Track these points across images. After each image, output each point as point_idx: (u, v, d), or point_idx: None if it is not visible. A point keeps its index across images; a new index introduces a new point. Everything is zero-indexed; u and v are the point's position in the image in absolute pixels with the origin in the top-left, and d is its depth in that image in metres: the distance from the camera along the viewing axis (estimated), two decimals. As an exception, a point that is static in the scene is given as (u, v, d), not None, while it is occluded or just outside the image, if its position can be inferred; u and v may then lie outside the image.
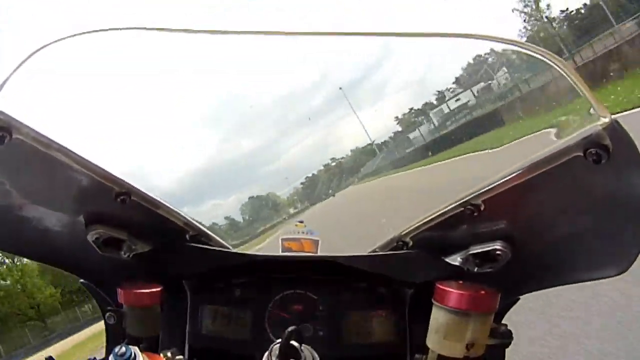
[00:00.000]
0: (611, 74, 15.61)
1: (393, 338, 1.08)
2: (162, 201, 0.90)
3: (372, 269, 1.06)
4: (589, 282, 0.79)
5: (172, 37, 0.63)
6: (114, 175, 0.77)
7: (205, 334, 1.10)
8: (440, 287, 0.84)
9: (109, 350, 0.76)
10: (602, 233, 0.68)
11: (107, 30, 0.61)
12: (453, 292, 0.81)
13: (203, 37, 0.64)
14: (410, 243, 1.01)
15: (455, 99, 32.75)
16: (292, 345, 0.76)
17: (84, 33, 0.62)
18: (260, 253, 1.09)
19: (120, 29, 0.62)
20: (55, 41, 0.60)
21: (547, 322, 2.97)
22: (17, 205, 0.76)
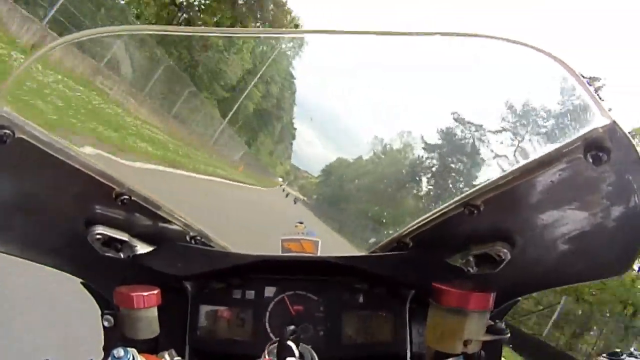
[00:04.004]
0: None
1: (393, 338, 1.09)
2: (162, 202, 0.90)
3: (372, 270, 1.06)
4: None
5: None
6: (114, 176, 0.77)
7: (205, 334, 1.09)
8: (437, 286, 0.85)
9: (107, 353, 0.75)
10: (602, 234, 0.68)
11: (110, 32, 0.61)
12: (449, 291, 0.83)
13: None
14: (410, 244, 1.02)
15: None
16: (289, 345, 0.76)
17: (88, 36, 0.62)
18: (261, 254, 1.09)
19: (123, 30, 0.62)
20: (60, 44, 0.60)
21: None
22: (17, 205, 0.76)
